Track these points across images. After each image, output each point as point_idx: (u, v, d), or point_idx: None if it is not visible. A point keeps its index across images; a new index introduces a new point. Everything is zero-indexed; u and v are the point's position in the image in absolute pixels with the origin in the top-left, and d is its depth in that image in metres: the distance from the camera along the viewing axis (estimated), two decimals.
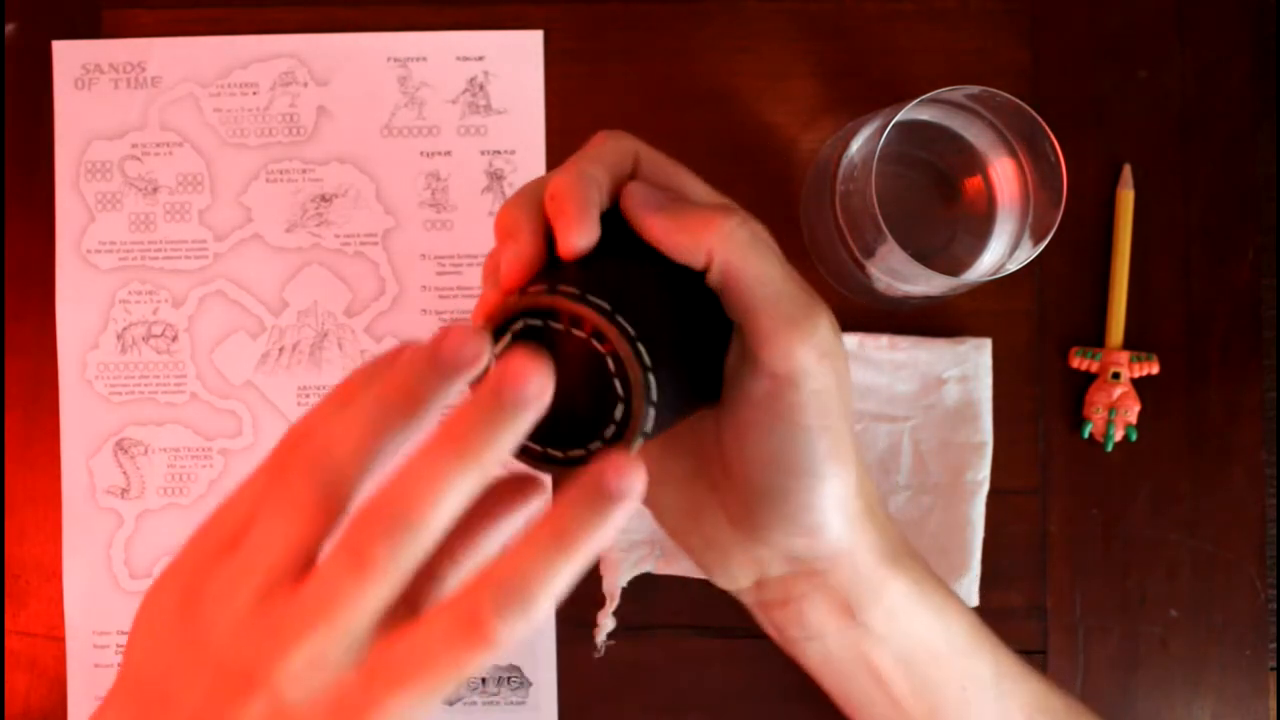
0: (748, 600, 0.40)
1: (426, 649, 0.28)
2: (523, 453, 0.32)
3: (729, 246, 0.33)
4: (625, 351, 0.30)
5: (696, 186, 0.37)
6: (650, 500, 0.39)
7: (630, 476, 0.28)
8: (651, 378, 0.30)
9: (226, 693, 0.29)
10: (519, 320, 0.31)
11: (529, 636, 0.52)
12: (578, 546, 0.27)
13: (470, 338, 0.28)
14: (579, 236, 0.32)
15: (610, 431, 0.31)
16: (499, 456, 0.28)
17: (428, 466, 0.28)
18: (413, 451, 0.28)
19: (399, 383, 0.28)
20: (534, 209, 0.33)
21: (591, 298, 0.30)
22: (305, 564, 0.29)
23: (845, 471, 0.35)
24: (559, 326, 0.30)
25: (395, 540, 0.27)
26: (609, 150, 0.35)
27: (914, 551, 0.40)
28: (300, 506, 0.28)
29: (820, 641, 0.39)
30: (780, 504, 0.35)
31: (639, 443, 0.31)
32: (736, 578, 0.38)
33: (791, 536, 0.36)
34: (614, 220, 0.34)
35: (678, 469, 0.38)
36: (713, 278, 0.34)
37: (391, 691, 0.28)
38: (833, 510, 0.35)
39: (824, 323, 0.34)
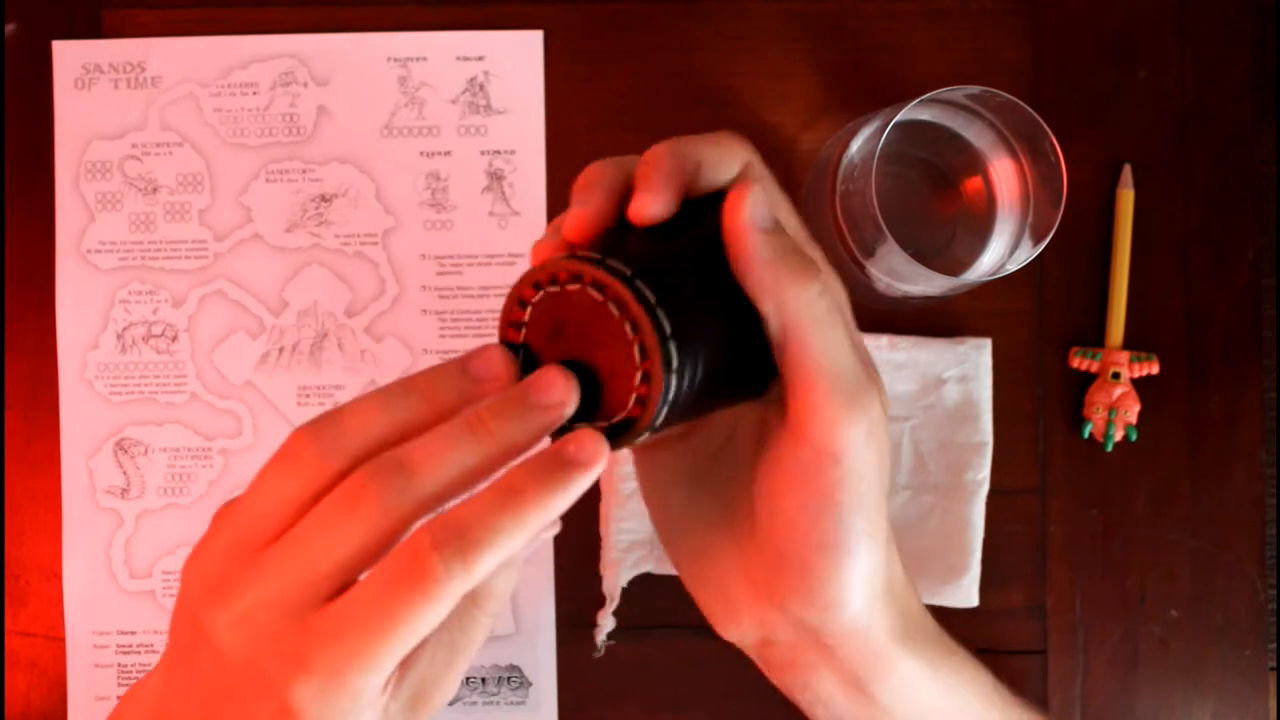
0: (750, 653, 0.39)
1: (368, 594, 0.29)
2: None
3: (801, 312, 0.31)
4: (641, 318, 0.29)
5: (792, 222, 0.35)
6: (668, 541, 0.39)
7: (589, 448, 0.29)
8: (672, 346, 0.29)
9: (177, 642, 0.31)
10: (554, 284, 0.30)
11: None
12: (525, 505, 0.28)
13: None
14: (652, 204, 0.31)
15: (633, 400, 0.30)
16: (508, 444, 0.29)
17: (439, 437, 0.29)
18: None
19: (485, 415, 0.29)
20: (616, 174, 0.32)
21: (616, 265, 0.29)
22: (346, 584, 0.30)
23: (874, 551, 0.34)
24: (597, 296, 0.30)
25: (385, 483, 0.28)
26: (724, 147, 0.33)
27: (928, 623, 0.39)
28: (366, 529, 0.29)
29: (826, 707, 0.38)
30: (802, 574, 0.34)
31: (662, 414, 0.30)
32: (743, 634, 0.37)
33: (808, 608, 0.35)
34: (695, 212, 0.33)
35: (703, 515, 0.37)
36: (771, 330, 0.32)
37: (329, 639, 0.29)
38: (855, 588, 0.34)
39: (876, 402, 0.33)
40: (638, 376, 0.29)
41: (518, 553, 0.31)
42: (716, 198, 0.32)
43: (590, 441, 0.29)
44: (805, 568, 0.34)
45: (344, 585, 0.29)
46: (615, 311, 0.29)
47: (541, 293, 0.31)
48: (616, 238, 0.31)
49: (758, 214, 0.31)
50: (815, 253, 0.35)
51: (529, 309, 0.31)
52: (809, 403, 0.32)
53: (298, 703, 0.29)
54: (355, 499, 0.29)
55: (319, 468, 0.30)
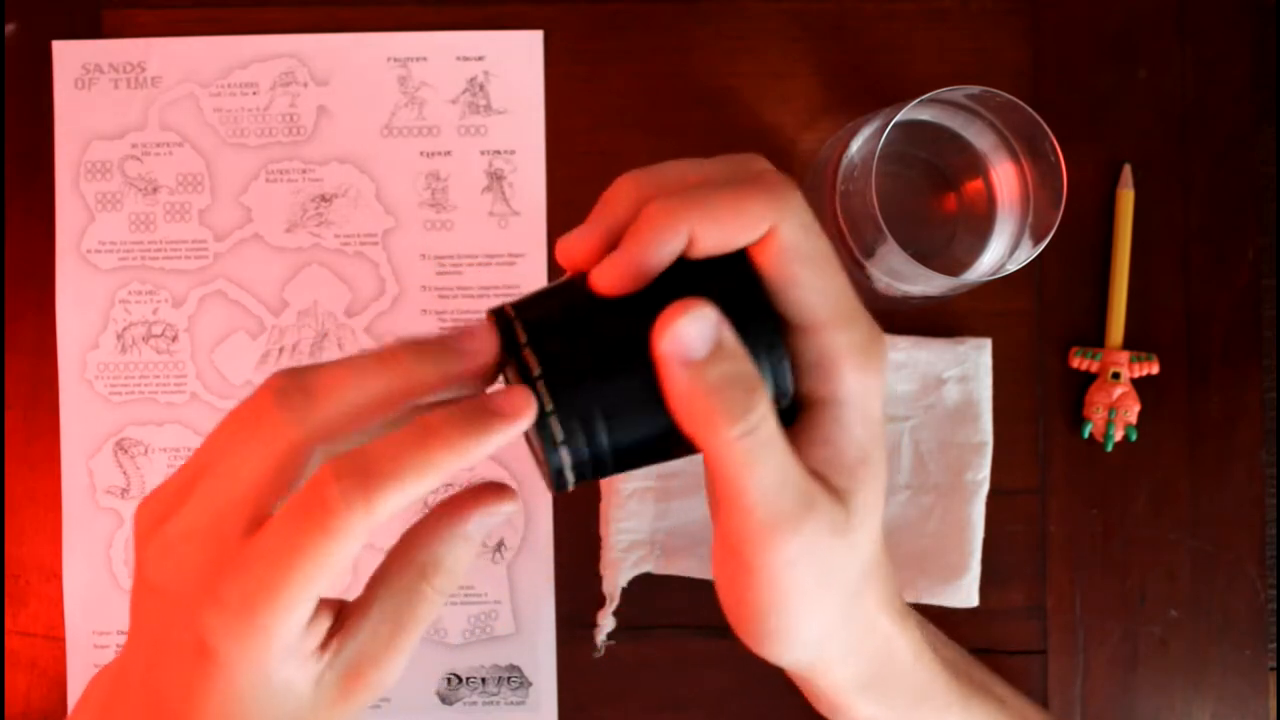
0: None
1: (274, 527, 0.28)
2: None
3: (725, 455, 0.29)
4: (525, 387, 0.29)
5: (836, 272, 0.31)
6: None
7: (517, 402, 0.28)
8: (553, 421, 0.29)
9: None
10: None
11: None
12: (436, 445, 0.28)
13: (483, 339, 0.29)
14: (604, 284, 0.29)
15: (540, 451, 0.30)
16: (416, 379, 0.29)
17: (348, 365, 0.29)
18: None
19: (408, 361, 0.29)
20: (635, 202, 0.30)
21: (519, 328, 0.29)
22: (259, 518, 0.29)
23: (822, 617, 0.33)
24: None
25: (285, 403, 0.28)
26: (743, 209, 0.29)
27: (917, 676, 0.38)
28: (263, 451, 0.29)
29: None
30: (747, 622, 0.33)
31: (566, 479, 0.30)
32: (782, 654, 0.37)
33: (756, 648, 0.34)
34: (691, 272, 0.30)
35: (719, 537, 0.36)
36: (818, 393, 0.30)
37: (238, 569, 0.28)
38: (795, 648, 0.34)
39: (815, 519, 0.30)
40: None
41: (475, 529, 0.31)
42: (721, 264, 0.30)
43: (519, 397, 0.28)
44: (752, 620, 0.33)
45: (258, 518, 0.29)
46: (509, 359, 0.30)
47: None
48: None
49: (691, 343, 0.28)
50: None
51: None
52: (738, 531, 0.30)
53: (212, 639, 0.29)
54: (256, 419, 0.29)
55: (264, 401, 0.29)
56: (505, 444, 0.28)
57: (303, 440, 0.28)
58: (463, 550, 0.32)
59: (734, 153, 0.33)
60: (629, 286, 0.29)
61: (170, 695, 0.30)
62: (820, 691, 0.37)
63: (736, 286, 0.30)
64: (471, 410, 0.28)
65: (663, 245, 0.29)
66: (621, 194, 0.30)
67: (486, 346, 0.29)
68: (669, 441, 0.30)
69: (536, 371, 0.29)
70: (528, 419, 0.29)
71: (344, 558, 0.28)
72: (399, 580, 0.32)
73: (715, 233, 0.29)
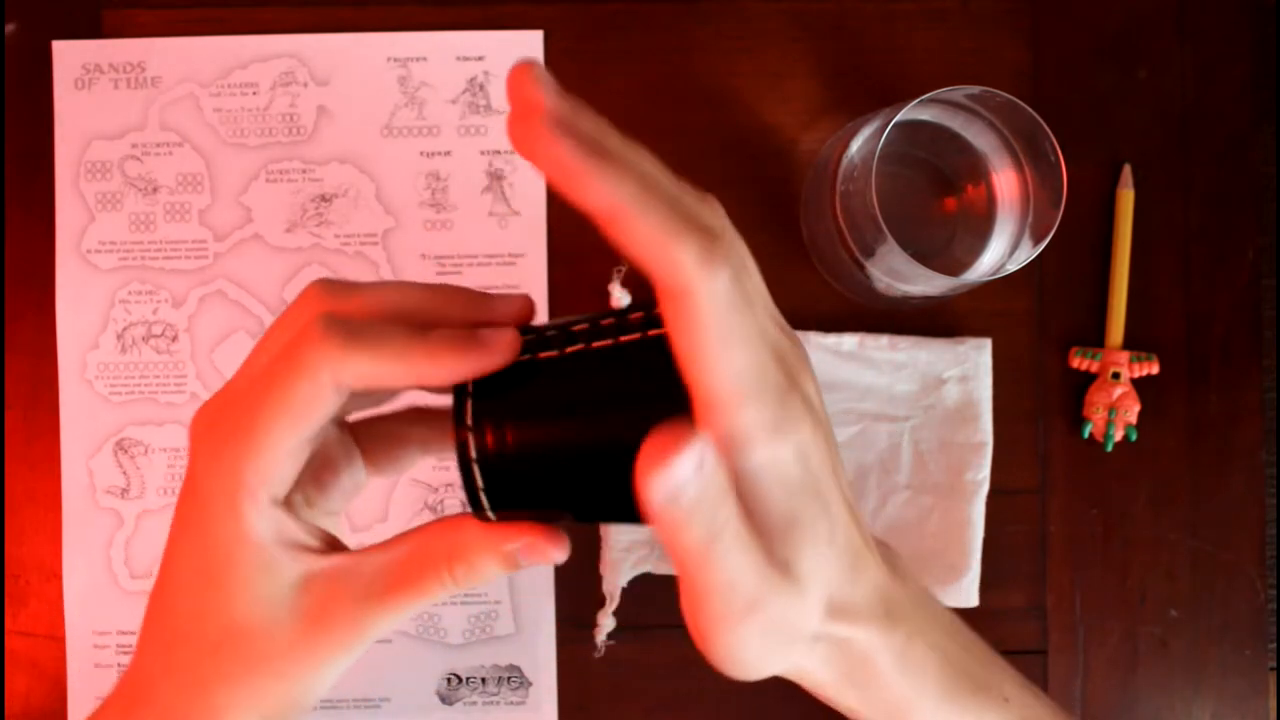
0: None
1: (258, 370, 0.32)
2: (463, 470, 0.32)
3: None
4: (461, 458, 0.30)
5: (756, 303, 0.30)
6: None
7: (501, 340, 0.31)
8: (478, 488, 0.30)
9: None
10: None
11: (533, 641, 0.51)
12: (416, 346, 0.30)
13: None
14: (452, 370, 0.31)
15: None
16: (427, 335, 0.31)
17: (401, 282, 0.33)
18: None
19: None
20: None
21: (470, 400, 0.30)
22: None
23: (757, 639, 0.33)
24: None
25: (325, 288, 0.32)
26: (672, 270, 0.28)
27: (876, 678, 0.37)
28: (292, 320, 0.32)
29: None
30: (700, 626, 0.33)
31: (487, 515, 0.32)
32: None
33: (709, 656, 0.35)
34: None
35: None
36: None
37: (231, 407, 0.32)
38: (741, 658, 0.33)
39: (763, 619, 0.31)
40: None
41: (521, 554, 0.32)
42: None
43: (505, 336, 0.31)
44: (716, 661, 0.33)
45: None
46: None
47: None
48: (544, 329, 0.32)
49: (682, 485, 0.27)
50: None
51: None
52: (695, 608, 0.31)
53: (197, 473, 0.32)
54: (301, 309, 0.32)
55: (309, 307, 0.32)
56: (471, 374, 0.30)
57: (342, 381, 0.31)
58: (496, 564, 0.33)
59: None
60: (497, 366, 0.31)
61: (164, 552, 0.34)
62: (808, 690, 0.37)
63: (664, 374, 0.29)
64: (462, 336, 0.31)
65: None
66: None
67: (498, 347, 0.31)
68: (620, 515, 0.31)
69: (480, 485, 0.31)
70: (498, 360, 0.30)
71: (312, 404, 0.30)
72: (428, 550, 0.33)
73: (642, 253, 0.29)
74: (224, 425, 0.32)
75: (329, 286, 0.32)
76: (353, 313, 0.31)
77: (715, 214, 0.29)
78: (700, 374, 0.28)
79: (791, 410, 0.29)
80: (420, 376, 0.30)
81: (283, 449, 0.31)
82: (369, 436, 0.37)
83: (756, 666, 0.33)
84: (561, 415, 0.30)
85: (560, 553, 0.32)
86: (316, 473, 0.36)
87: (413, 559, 0.33)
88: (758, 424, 0.29)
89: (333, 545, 0.34)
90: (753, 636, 0.31)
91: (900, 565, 0.37)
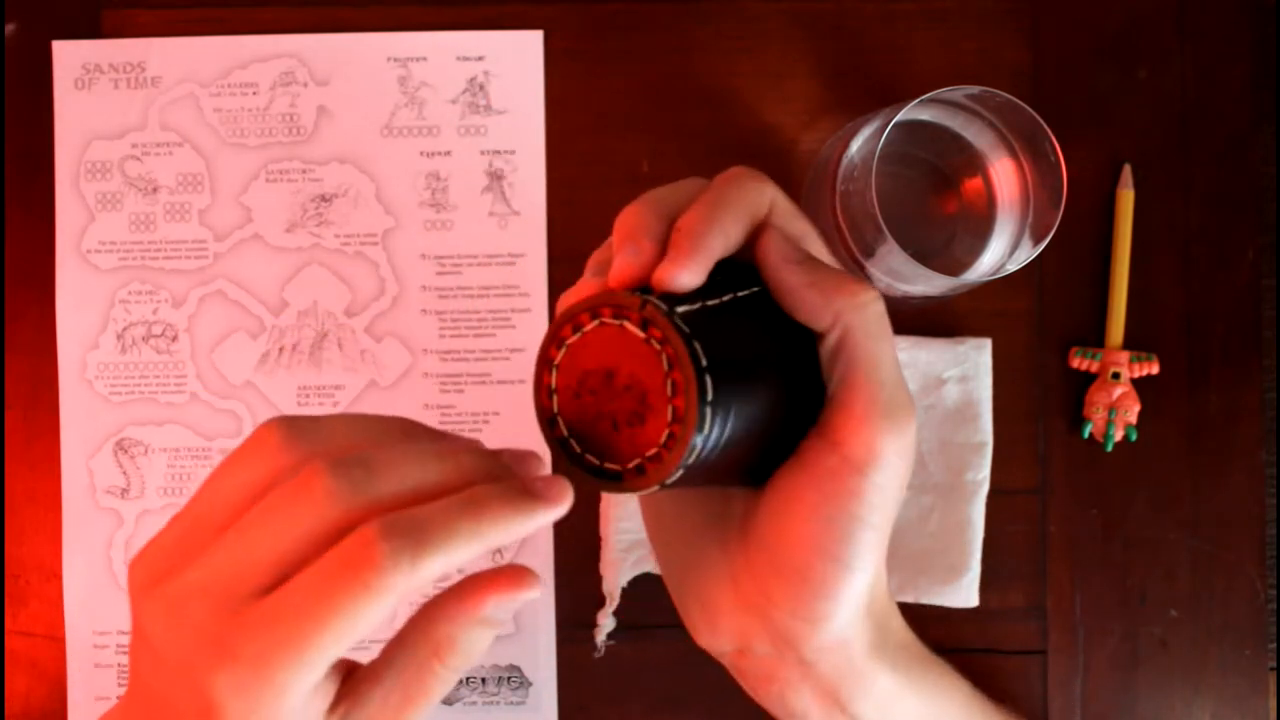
0: (725, 661, 0.38)
1: (308, 581, 0.28)
2: (564, 449, 0.32)
3: (859, 317, 0.32)
4: (688, 376, 0.29)
5: (821, 250, 0.36)
6: (655, 541, 0.39)
7: (558, 491, 0.30)
8: (708, 411, 0.29)
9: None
10: (603, 313, 0.31)
11: (530, 640, 0.52)
12: (484, 517, 0.29)
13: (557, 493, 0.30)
14: (684, 276, 0.31)
15: (651, 453, 0.30)
16: (472, 478, 0.30)
17: (409, 452, 0.30)
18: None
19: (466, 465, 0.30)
20: (662, 221, 0.32)
21: (678, 320, 0.29)
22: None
23: (870, 569, 0.34)
24: (639, 334, 0.30)
25: (343, 475, 0.28)
26: (749, 197, 0.33)
27: (904, 634, 0.39)
28: (313, 519, 0.28)
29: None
30: (798, 584, 0.34)
31: (677, 474, 0.30)
32: (720, 643, 0.37)
33: (795, 618, 0.34)
34: (733, 267, 0.33)
35: (692, 518, 0.37)
36: (827, 343, 0.33)
37: (260, 627, 0.28)
38: (846, 603, 0.34)
39: (913, 426, 0.33)
40: (669, 413, 0.30)
41: (493, 612, 0.31)
42: (743, 266, 0.33)
43: (559, 486, 0.30)
44: (804, 576, 0.33)
45: (279, 580, 0.28)
46: (656, 347, 0.30)
47: (579, 334, 0.31)
48: (646, 290, 0.31)
49: (787, 252, 0.33)
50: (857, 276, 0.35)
51: (564, 351, 0.31)
52: (851, 410, 0.32)
53: (219, 696, 0.28)
54: (308, 486, 0.28)
55: (281, 458, 0.29)
56: (538, 529, 0.30)
57: (360, 516, 0.28)
58: (478, 634, 0.32)
59: (724, 153, 0.35)
60: (702, 277, 0.31)
61: None
62: (832, 671, 0.36)
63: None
64: (518, 492, 0.30)
65: (719, 228, 0.32)
66: (645, 212, 0.32)
67: (562, 497, 0.31)
68: (766, 434, 0.32)
69: (703, 363, 0.30)
70: (562, 509, 0.30)
71: (376, 618, 0.28)
72: (413, 654, 0.32)
73: (742, 218, 0.33)
74: (258, 643, 0.28)
75: (350, 474, 0.28)
76: (387, 503, 0.28)
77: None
78: (859, 379, 0.32)
79: (910, 431, 0.33)
80: (523, 591, 0.31)
81: (331, 659, 0.29)
82: None
83: (850, 548, 0.33)
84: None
85: (530, 586, 0.32)
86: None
87: (405, 676, 0.32)
88: (888, 440, 0.32)
89: (340, 687, 0.32)
90: (896, 445, 0.33)
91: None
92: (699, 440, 0.29)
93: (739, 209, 0.33)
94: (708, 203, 0.32)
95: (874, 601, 0.36)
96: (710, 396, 0.29)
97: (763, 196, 0.33)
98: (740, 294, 0.33)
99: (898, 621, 0.38)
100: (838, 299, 0.32)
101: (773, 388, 0.32)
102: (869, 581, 0.34)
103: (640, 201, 0.33)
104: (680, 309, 0.30)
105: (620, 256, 0.31)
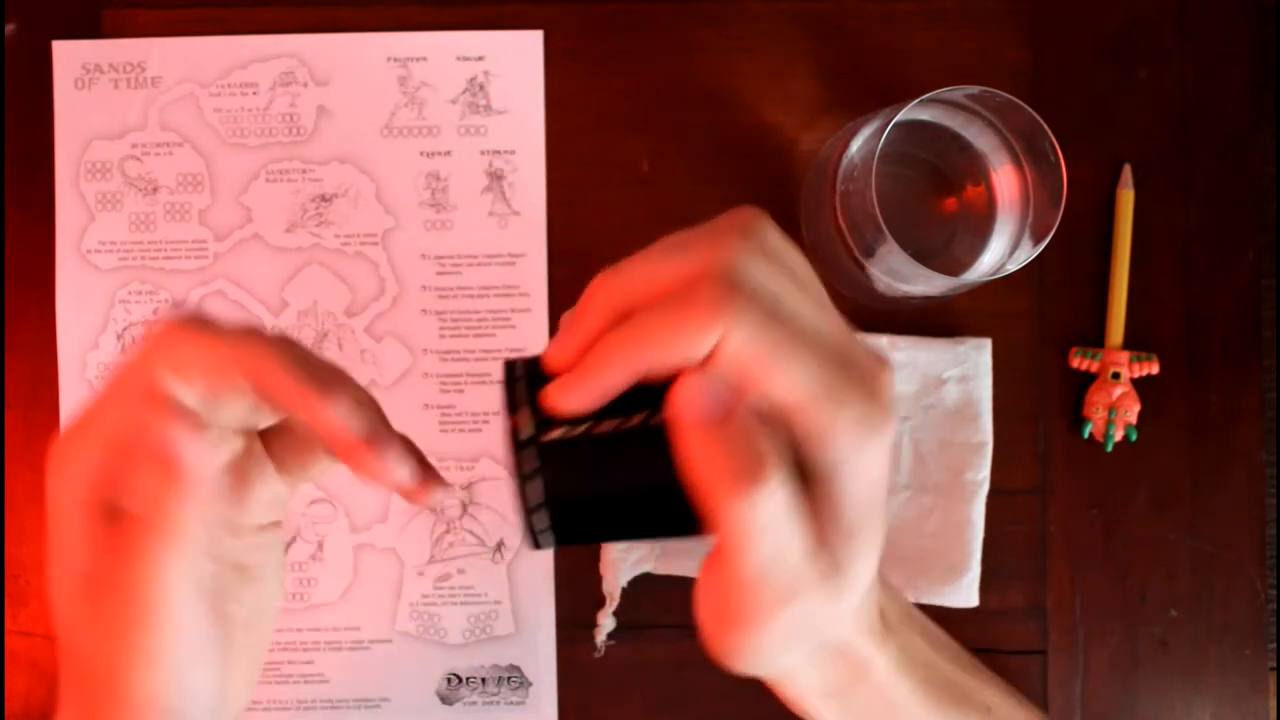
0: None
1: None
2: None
3: (738, 527, 0.29)
4: (519, 506, 0.30)
5: (806, 302, 0.30)
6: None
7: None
8: (540, 539, 0.31)
9: None
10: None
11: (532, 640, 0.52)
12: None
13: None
14: (566, 403, 0.30)
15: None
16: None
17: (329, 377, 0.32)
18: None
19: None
20: (606, 318, 0.30)
21: (522, 454, 0.30)
22: None
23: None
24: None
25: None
26: (687, 341, 0.28)
27: (867, 685, 0.38)
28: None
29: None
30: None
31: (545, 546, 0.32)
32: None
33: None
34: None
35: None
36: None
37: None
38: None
39: (806, 600, 0.31)
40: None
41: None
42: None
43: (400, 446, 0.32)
44: (717, 644, 0.33)
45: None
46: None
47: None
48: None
49: (704, 407, 0.28)
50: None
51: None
52: (728, 590, 0.31)
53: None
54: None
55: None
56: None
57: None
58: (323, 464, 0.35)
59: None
60: (582, 411, 0.30)
61: None
62: (784, 696, 0.37)
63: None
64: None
65: (612, 380, 0.30)
66: (605, 292, 0.31)
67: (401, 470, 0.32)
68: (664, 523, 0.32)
69: (529, 503, 0.30)
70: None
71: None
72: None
73: (665, 361, 0.29)
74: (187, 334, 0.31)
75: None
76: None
77: (714, 246, 0.29)
78: (765, 389, 0.29)
79: (877, 414, 0.29)
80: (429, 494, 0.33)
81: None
82: (279, 445, 0.36)
83: (762, 663, 0.33)
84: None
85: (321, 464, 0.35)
86: (230, 490, 0.34)
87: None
88: (840, 422, 0.29)
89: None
90: (778, 629, 0.31)
91: (882, 575, 0.37)
92: (543, 544, 0.31)
93: (666, 351, 0.29)
94: (634, 335, 0.29)
95: (826, 665, 0.35)
96: (540, 526, 0.30)
97: (703, 341, 0.28)
98: (652, 421, 0.30)
99: (884, 678, 0.37)
100: (725, 502, 0.28)
101: (646, 516, 0.31)
102: (783, 667, 0.34)
103: (606, 281, 0.30)
104: (555, 433, 0.30)
105: (553, 344, 0.31)
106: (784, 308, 0.29)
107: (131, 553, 0.31)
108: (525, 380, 0.31)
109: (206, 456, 0.31)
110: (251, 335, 0.32)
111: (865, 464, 0.30)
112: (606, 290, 0.30)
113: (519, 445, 0.30)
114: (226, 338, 0.32)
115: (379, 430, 0.32)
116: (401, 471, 0.32)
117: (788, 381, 0.29)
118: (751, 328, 0.28)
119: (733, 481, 0.28)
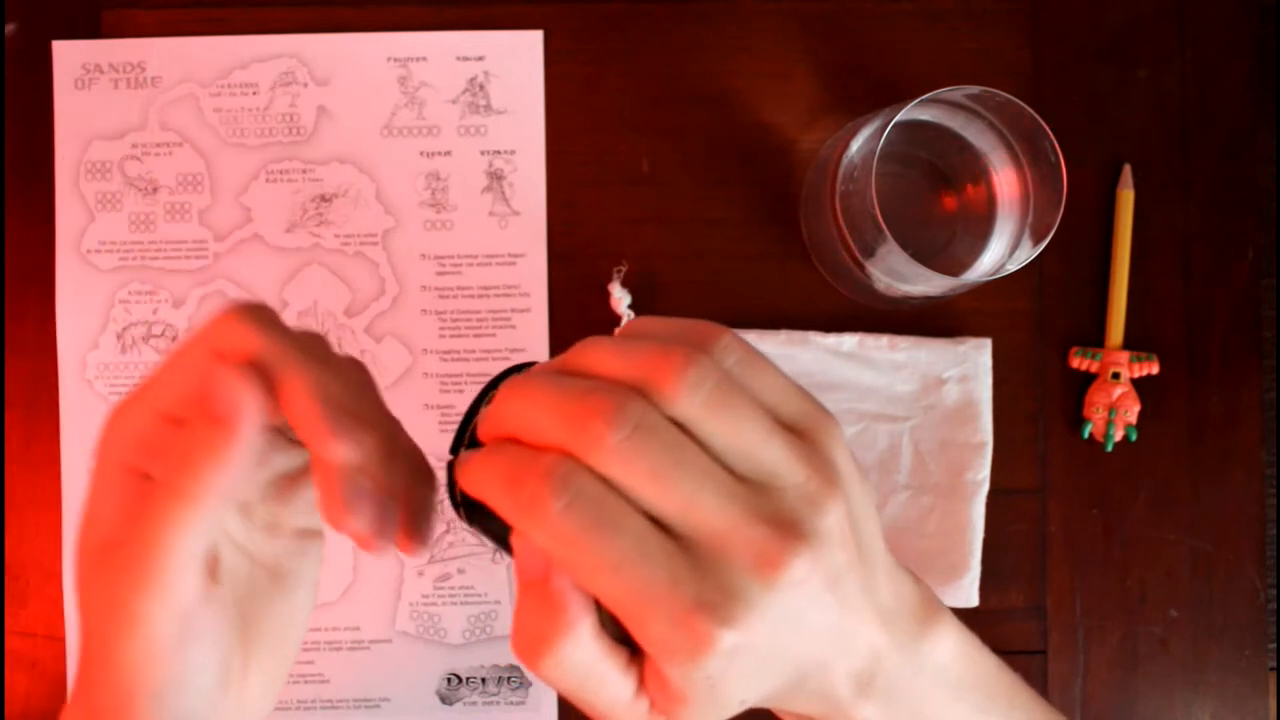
0: None
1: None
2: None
3: (680, 688, 0.27)
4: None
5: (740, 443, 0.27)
6: None
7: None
8: (462, 512, 0.31)
9: None
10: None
11: None
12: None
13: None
14: (463, 481, 0.29)
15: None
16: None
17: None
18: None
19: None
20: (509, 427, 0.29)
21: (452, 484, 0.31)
22: None
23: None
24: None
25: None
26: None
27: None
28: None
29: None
30: None
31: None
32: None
33: None
34: None
35: None
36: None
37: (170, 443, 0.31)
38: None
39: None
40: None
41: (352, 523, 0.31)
42: None
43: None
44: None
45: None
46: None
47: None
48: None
49: (522, 567, 0.28)
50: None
51: None
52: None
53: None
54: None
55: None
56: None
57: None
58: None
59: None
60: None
61: None
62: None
63: None
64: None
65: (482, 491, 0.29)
66: (498, 422, 0.29)
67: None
68: None
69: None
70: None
71: (241, 458, 0.31)
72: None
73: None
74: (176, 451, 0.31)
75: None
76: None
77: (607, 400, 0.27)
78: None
79: (689, 637, 0.26)
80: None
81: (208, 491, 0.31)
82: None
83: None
84: None
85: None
86: (277, 490, 0.34)
87: (285, 559, 0.35)
88: (653, 641, 0.26)
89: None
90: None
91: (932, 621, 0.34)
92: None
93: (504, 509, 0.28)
94: (495, 474, 0.28)
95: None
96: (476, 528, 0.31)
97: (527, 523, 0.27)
98: None
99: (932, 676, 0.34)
100: (662, 659, 0.26)
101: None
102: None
103: (526, 389, 0.28)
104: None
105: (482, 424, 0.30)
106: (609, 515, 0.26)
107: (145, 515, 0.31)
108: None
109: (258, 416, 0.30)
110: (300, 349, 0.31)
111: (681, 675, 0.27)
112: (505, 416, 0.29)
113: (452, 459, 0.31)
114: (280, 341, 0.31)
115: (358, 491, 0.30)
116: (358, 524, 0.30)
117: (596, 591, 0.27)
118: (559, 537, 0.26)
119: (541, 629, 0.27)
